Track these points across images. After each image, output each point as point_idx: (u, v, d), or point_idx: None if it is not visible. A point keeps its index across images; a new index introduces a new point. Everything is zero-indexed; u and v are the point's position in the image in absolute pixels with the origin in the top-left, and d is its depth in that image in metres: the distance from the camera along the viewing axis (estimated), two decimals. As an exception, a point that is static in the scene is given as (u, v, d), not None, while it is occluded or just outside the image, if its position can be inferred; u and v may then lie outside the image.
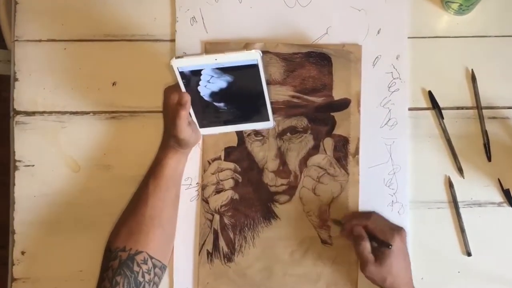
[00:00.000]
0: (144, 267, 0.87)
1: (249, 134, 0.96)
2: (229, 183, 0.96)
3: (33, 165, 0.96)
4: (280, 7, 0.98)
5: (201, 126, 0.93)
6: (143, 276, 0.87)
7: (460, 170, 0.97)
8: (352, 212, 0.94)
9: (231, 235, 0.96)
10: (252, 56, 0.86)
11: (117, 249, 0.88)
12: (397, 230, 0.88)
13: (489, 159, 0.97)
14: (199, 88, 0.89)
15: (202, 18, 0.97)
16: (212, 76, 0.87)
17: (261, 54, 0.86)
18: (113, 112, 0.97)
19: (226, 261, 0.95)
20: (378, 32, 0.97)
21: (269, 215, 0.96)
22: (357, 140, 0.96)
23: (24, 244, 0.95)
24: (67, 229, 0.96)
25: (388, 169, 0.96)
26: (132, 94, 0.97)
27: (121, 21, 0.98)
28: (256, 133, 0.96)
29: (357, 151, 0.96)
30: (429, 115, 0.98)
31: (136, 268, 0.86)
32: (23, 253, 0.95)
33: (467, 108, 0.98)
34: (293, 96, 0.96)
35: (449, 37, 0.98)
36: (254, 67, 0.87)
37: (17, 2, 0.98)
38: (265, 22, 0.97)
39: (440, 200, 0.97)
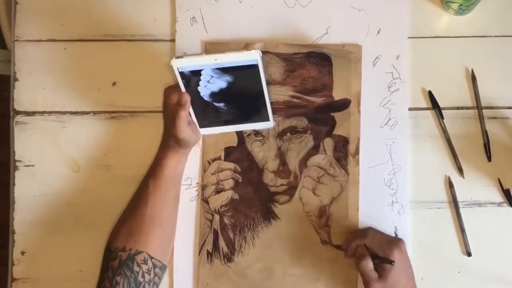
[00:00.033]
0: (144, 267, 0.87)
1: (249, 134, 0.96)
2: (229, 183, 0.96)
3: (33, 165, 0.96)
4: (280, 7, 0.98)
5: (201, 126, 0.93)
6: (143, 276, 0.87)
7: (460, 170, 0.97)
8: (349, 234, 0.93)
9: (231, 235, 0.96)
10: (252, 56, 0.86)
11: (117, 249, 0.88)
12: (396, 243, 0.87)
13: (489, 159, 0.97)
14: (199, 88, 0.89)
15: (202, 18, 0.97)
16: (212, 76, 0.87)
17: (261, 54, 0.86)
18: (113, 112, 0.97)
19: (226, 261, 0.95)
20: (378, 32, 0.97)
21: (269, 215, 0.96)
22: (357, 140, 0.96)
23: (24, 244, 0.95)
24: (67, 229, 0.96)
25: (388, 169, 0.96)
26: (132, 94, 0.97)
27: (121, 21, 0.98)
28: (256, 133, 0.96)
29: (357, 151, 0.96)
30: (429, 115, 0.98)
31: (136, 268, 0.86)
32: (23, 253, 0.95)
33: (467, 108, 0.98)
34: (293, 96, 0.96)
35: (449, 37, 0.98)
36: (254, 67, 0.87)
37: (17, 2, 0.98)
38: (265, 22, 0.97)
39: (440, 200, 0.97)
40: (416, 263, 0.90)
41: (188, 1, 0.97)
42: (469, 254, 0.96)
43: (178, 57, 0.86)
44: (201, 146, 0.96)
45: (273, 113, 0.94)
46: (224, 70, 0.87)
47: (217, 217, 0.96)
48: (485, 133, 0.97)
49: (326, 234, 0.95)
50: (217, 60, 0.86)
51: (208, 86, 0.88)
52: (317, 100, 0.96)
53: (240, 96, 0.91)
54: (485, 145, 0.97)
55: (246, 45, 0.96)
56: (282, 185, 0.96)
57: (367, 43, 0.97)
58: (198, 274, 0.95)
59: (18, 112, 0.97)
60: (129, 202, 0.93)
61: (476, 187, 0.97)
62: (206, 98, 0.90)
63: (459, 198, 0.96)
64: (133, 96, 0.97)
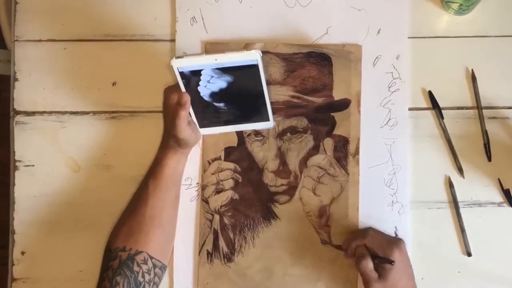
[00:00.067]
0: (144, 267, 0.87)
1: (249, 134, 0.96)
2: (229, 183, 0.96)
3: (33, 165, 0.96)
4: (280, 7, 0.98)
5: (201, 126, 0.93)
6: (143, 276, 0.87)
7: (460, 170, 0.97)
8: (349, 234, 0.93)
9: (231, 235, 0.96)
10: (252, 56, 0.86)
11: (117, 249, 0.88)
12: (396, 243, 0.87)
13: (489, 159, 0.97)
14: (199, 88, 0.89)
15: (202, 18, 0.97)
16: (212, 76, 0.87)
17: (261, 54, 0.86)
18: (113, 112, 0.97)
19: (226, 261, 0.95)
20: (378, 32, 0.97)
21: (269, 215, 0.96)
22: (357, 140, 0.96)
23: (24, 244, 0.95)
24: (67, 229, 0.96)
25: (388, 169, 0.96)
26: (132, 94, 0.97)
27: (121, 21, 0.98)
28: (256, 133, 0.96)
29: (357, 151, 0.96)
30: (429, 115, 0.98)
31: (136, 268, 0.86)
32: (23, 253, 0.95)
33: (467, 108, 0.98)
34: (293, 96, 0.96)
35: (449, 37, 0.98)
36: (254, 67, 0.87)
37: (17, 2, 0.98)
38: (265, 22, 0.97)
39: (440, 200, 0.97)
40: (416, 263, 0.90)
41: (188, 1, 0.97)
42: (469, 254, 0.96)
43: (178, 57, 0.86)
44: (201, 146, 0.96)
45: (273, 113, 0.94)
46: (224, 70, 0.87)
47: (217, 217, 0.96)
48: (485, 133, 0.97)
49: (326, 234, 0.95)
50: (217, 60, 0.86)
51: (208, 86, 0.88)
52: (317, 100, 0.96)
53: (240, 96, 0.91)
54: (485, 145, 0.97)
55: (246, 45, 0.96)
56: (282, 185, 0.96)
57: (367, 43, 0.97)
58: (198, 274, 0.95)
59: (18, 112, 0.97)
60: (129, 202, 0.93)
61: (476, 187, 0.97)
62: (206, 98, 0.90)
63: (459, 198, 0.96)
64: (133, 96, 0.97)
